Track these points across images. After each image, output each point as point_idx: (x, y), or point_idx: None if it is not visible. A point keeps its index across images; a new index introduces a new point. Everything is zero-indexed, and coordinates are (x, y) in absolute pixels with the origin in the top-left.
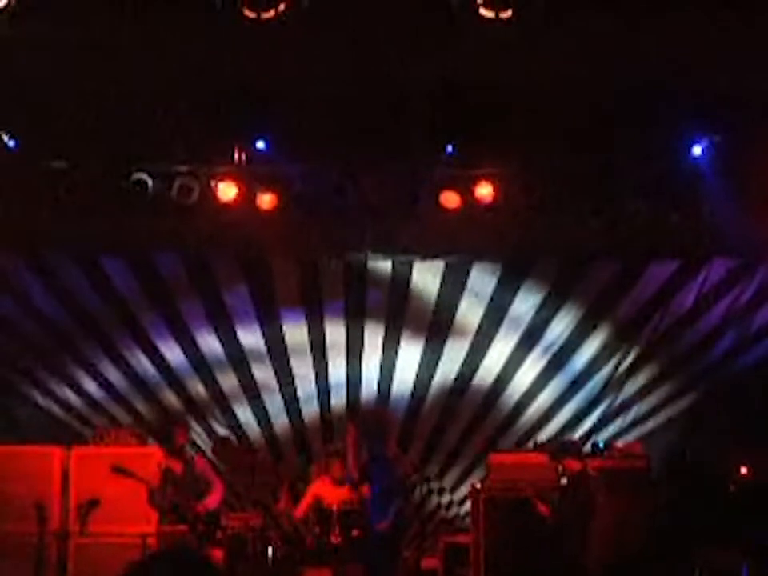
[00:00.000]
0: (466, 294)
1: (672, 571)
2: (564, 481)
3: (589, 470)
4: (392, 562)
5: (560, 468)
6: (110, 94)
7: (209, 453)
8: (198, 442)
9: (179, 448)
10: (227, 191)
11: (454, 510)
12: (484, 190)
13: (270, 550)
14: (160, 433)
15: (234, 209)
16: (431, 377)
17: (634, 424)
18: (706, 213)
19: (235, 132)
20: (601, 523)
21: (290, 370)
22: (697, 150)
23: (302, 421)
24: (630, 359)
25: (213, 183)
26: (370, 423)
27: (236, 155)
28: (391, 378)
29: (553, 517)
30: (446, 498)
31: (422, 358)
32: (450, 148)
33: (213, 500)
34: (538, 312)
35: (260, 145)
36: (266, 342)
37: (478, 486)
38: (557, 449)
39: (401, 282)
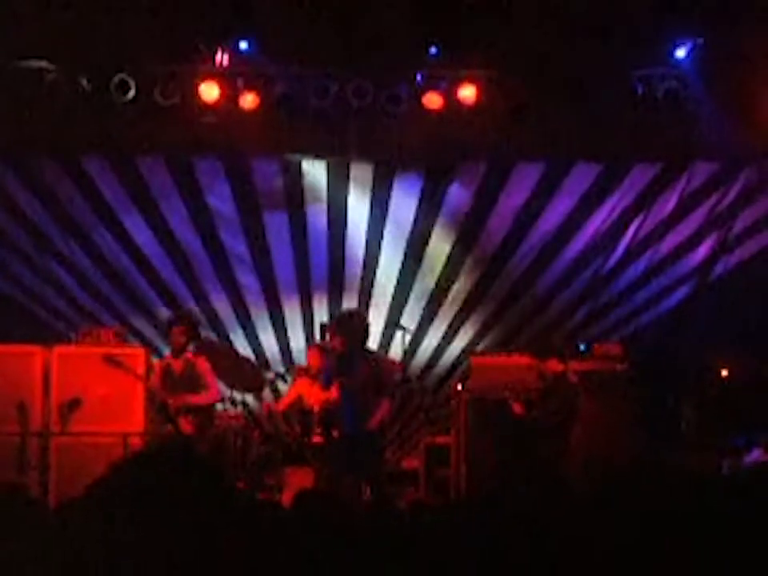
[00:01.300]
0: (447, 198)
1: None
2: (543, 383)
3: (569, 372)
4: (377, 462)
5: (540, 369)
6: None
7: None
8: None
9: (178, 347)
10: (210, 91)
11: (435, 411)
12: (467, 92)
13: (251, 449)
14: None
15: (216, 109)
16: (412, 281)
17: (616, 326)
18: (689, 116)
19: (218, 32)
20: (580, 427)
21: (273, 273)
22: (680, 53)
23: (285, 325)
24: (612, 262)
25: (195, 84)
26: (348, 325)
27: (218, 56)
28: (373, 281)
29: (528, 417)
30: (427, 399)
31: (403, 260)
32: (433, 50)
33: (199, 397)
34: (520, 215)
35: (243, 45)
36: (248, 245)
37: (460, 387)
38: (538, 351)
39: (383, 183)
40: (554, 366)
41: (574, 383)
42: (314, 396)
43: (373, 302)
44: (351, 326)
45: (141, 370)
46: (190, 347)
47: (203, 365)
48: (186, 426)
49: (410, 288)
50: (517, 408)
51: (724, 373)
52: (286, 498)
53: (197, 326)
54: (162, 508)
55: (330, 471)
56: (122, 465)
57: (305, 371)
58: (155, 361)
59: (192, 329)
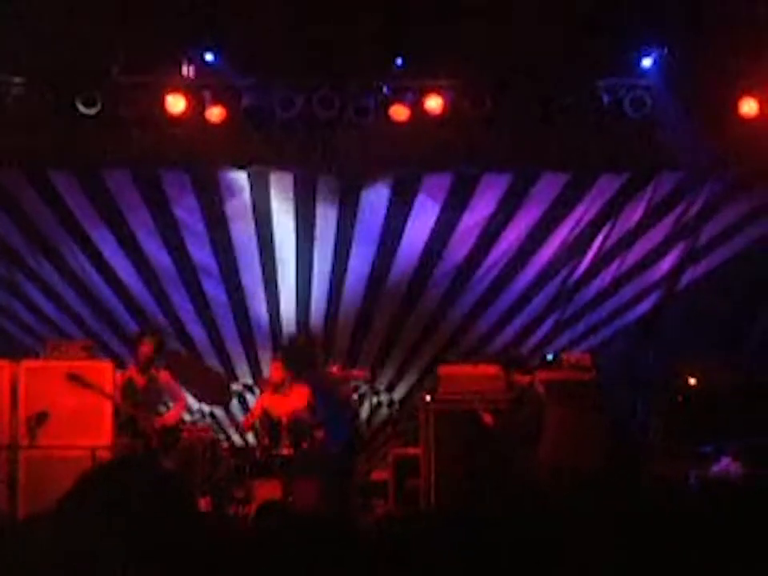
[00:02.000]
0: (414, 208)
1: (621, 482)
2: (511, 394)
3: (536, 383)
4: (345, 477)
5: (508, 380)
6: (61, 6)
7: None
8: None
9: (145, 360)
10: (176, 104)
11: (403, 423)
12: (433, 103)
13: (219, 461)
14: (146, 345)
15: (182, 122)
16: (380, 291)
17: (583, 336)
18: (656, 126)
19: (184, 44)
20: (549, 437)
21: (241, 285)
22: (646, 63)
23: (252, 336)
24: (579, 272)
25: (161, 96)
26: (290, 353)
27: (184, 68)
28: (340, 294)
29: (498, 428)
30: (395, 411)
31: (370, 273)
32: (399, 61)
33: (171, 415)
34: (487, 225)
35: (209, 57)
36: (216, 258)
37: (428, 398)
38: (506, 361)
39: (350, 196)
40: (521, 377)
41: (541, 394)
42: (280, 407)
43: (341, 311)
44: (292, 357)
45: (108, 384)
46: (156, 362)
47: (166, 378)
48: (154, 441)
49: (378, 299)
50: (486, 418)
51: (692, 381)
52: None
53: (164, 341)
54: (127, 523)
55: (298, 483)
56: (88, 479)
57: (269, 383)
58: (118, 373)
59: (159, 343)
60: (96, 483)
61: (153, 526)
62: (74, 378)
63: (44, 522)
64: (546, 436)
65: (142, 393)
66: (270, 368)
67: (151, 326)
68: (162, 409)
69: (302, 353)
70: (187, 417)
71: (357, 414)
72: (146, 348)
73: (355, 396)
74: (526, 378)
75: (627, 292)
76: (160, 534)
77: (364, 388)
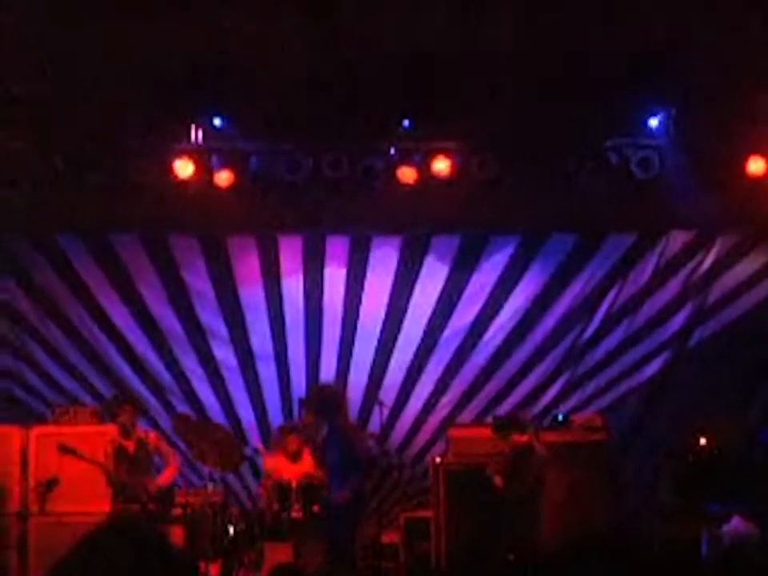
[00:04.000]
0: (423, 271)
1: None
2: (508, 456)
3: (535, 442)
4: (351, 538)
5: (507, 442)
6: (66, 75)
7: (169, 431)
8: (159, 420)
9: (129, 427)
10: (184, 169)
11: (414, 485)
12: (441, 165)
13: (230, 526)
14: (106, 412)
15: (191, 186)
16: (390, 352)
17: (594, 396)
18: (663, 186)
19: (192, 109)
20: (551, 499)
21: (250, 347)
22: (653, 123)
23: (263, 399)
24: (589, 332)
25: (169, 161)
26: (318, 399)
27: (192, 133)
28: (350, 358)
29: (505, 491)
30: (406, 473)
31: (380, 335)
32: (406, 123)
33: (165, 477)
34: (496, 286)
35: (216, 122)
36: (225, 321)
37: (438, 460)
38: (496, 425)
39: (359, 257)
40: (518, 437)
41: (541, 452)
42: (291, 473)
43: (351, 376)
44: (319, 401)
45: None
46: (138, 425)
47: (155, 440)
48: (150, 504)
49: (389, 360)
50: (498, 481)
51: (702, 441)
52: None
53: (143, 405)
54: None
55: (309, 547)
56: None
57: (285, 451)
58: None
59: (136, 405)
60: (86, 553)
61: None
62: (66, 451)
63: None
64: (555, 498)
65: (134, 458)
66: (285, 439)
67: (123, 392)
68: (155, 472)
69: (330, 397)
70: (197, 481)
71: (367, 471)
72: (125, 416)
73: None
74: (524, 438)
75: (637, 352)
76: None
77: (375, 450)
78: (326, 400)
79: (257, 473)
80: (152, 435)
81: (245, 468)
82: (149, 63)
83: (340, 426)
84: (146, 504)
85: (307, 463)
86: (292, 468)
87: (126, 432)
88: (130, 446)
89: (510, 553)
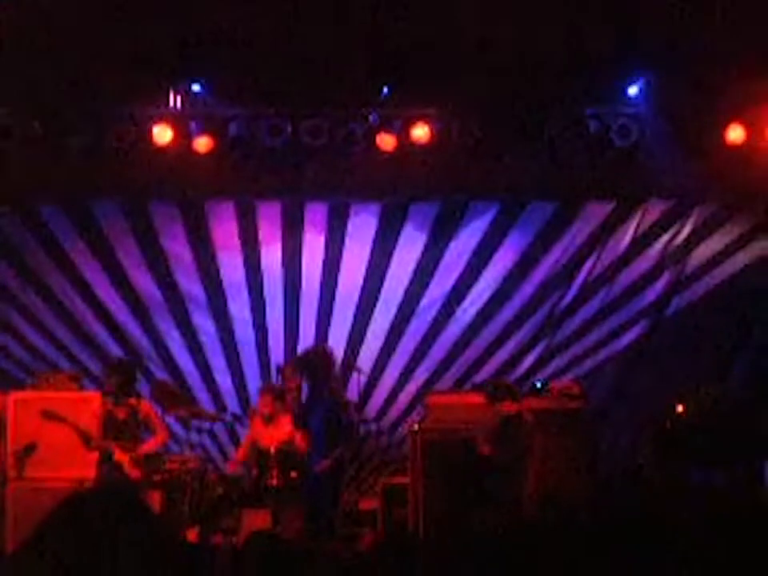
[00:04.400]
0: (402, 238)
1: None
2: (498, 424)
3: (525, 411)
4: (331, 504)
5: (494, 410)
6: (46, 42)
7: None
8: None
9: (119, 393)
10: (163, 135)
11: (391, 452)
12: (420, 131)
13: (207, 491)
14: (112, 379)
15: (170, 152)
16: (368, 320)
17: (572, 364)
18: (643, 154)
19: (170, 75)
20: (536, 465)
21: (229, 313)
22: (633, 90)
23: (241, 365)
24: (567, 300)
25: (148, 126)
26: (308, 365)
27: (171, 98)
28: (329, 322)
29: (494, 458)
30: (383, 440)
31: (359, 302)
32: (385, 90)
33: (149, 445)
34: (475, 254)
35: (195, 88)
36: (204, 288)
37: (416, 427)
38: (492, 390)
39: (337, 224)
40: (509, 405)
41: (530, 422)
42: (269, 438)
43: (329, 343)
44: (310, 363)
45: (94, 415)
46: (131, 393)
47: (147, 408)
48: (133, 471)
49: (366, 327)
50: (485, 449)
51: (679, 409)
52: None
53: (132, 373)
54: (108, 556)
55: (287, 513)
56: (67, 506)
57: (258, 415)
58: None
59: (129, 373)
60: (66, 516)
61: (133, 559)
62: (49, 415)
63: (26, 556)
64: (534, 465)
65: (122, 425)
66: (259, 400)
67: (117, 359)
68: (142, 440)
69: (322, 360)
70: (175, 447)
71: (353, 442)
72: (116, 380)
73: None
74: (514, 407)
75: (615, 320)
76: (137, 564)
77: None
78: (318, 363)
79: (235, 439)
80: (144, 403)
81: (222, 432)
82: (128, 29)
83: (328, 391)
84: (127, 470)
85: (285, 429)
86: (269, 433)
87: (117, 398)
88: (120, 412)
89: (490, 521)
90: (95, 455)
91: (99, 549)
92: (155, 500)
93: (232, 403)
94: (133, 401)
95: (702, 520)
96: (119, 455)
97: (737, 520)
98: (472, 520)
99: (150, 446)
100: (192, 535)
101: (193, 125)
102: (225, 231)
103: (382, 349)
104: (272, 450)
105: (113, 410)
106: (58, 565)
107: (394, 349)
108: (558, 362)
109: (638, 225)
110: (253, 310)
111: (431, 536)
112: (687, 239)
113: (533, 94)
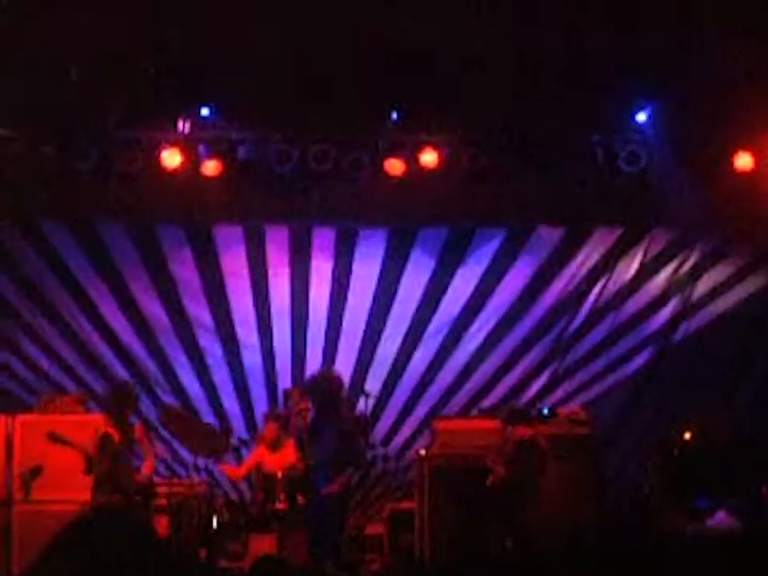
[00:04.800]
0: (410, 264)
1: (619, 538)
2: (511, 447)
3: (539, 436)
4: (338, 529)
5: (508, 434)
6: (53, 64)
7: (155, 421)
8: (144, 410)
9: (122, 417)
10: (171, 159)
11: (398, 477)
12: (428, 157)
13: (214, 516)
14: (110, 402)
15: (178, 176)
16: (376, 345)
17: (579, 390)
18: (650, 181)
19: (179, 99)
20: (547, 489)
21: (236, 338)
22: (641, 117)
23: (248, 390)
24: (575, 325)
25: (157, 151)
26: (317, 389)
27: (180, 123)
28: (336, 347)
29: (507, 480)
30: (390, 465)
31: (366, 326)
32: (395, 115)
33: (147, 469)
34: (483, 279)
35: (204, 112)
36: (211, 312)
37: (423, 452)
38: (508, 415)
39: (345, 249)
40: (523, 430)
41: (544, 447)
42: (274, 463)
43: (336, 366)
44: (318, 387)
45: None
46: (128, 415)
47: (140, 432)
48: (135, 496)
49: (374, 352)
50: (500, 471)
51: (687, 436)
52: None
53: (130, 395)
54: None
55: (293, 538)
56: (65, 535)
57: (264, 440)
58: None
59: (125, 397)
60: (73, 540)
61: None
62: (55, 438)
63: None
64: (545, 490)
65: (120, 448)
66: (264, 425)
67: (118, 383)
68: (137, 463)
69: (328, 386)
70: (182, 471)
71: (360, 467)
72: (111, 404)
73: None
74: (528, 431)
75: (622, 346)
76: None
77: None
78: (326, 387)
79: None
80: (137, 427)
81: (230, 458)
82: (136, 53)
83: (336, 415)
84: (131, 495)
85: (290, 453)
86: (275, 458)
87: (117, 422)
88: (116, 435)
89: (507, 540)
90: (98, 478)
91: (105, 572)
92: (161, 524)
93: (239, 427)
94: (128, 425)
95: (707, 547)
96: (121, 479)
97: (741, 547)
98: (483, 541)
99: (147, 469)
100: (198, 559)
101: (201, 148)
102: (233, 256)
103: (389, 373)
104: (278, 474)
105: (109, 433)
106: None
107: (402, 374)
108: (565, 388)
109: (646, 251)
110: (260, 334)
111: (438, 562)
112: (695, 266)
113: (539, 119)
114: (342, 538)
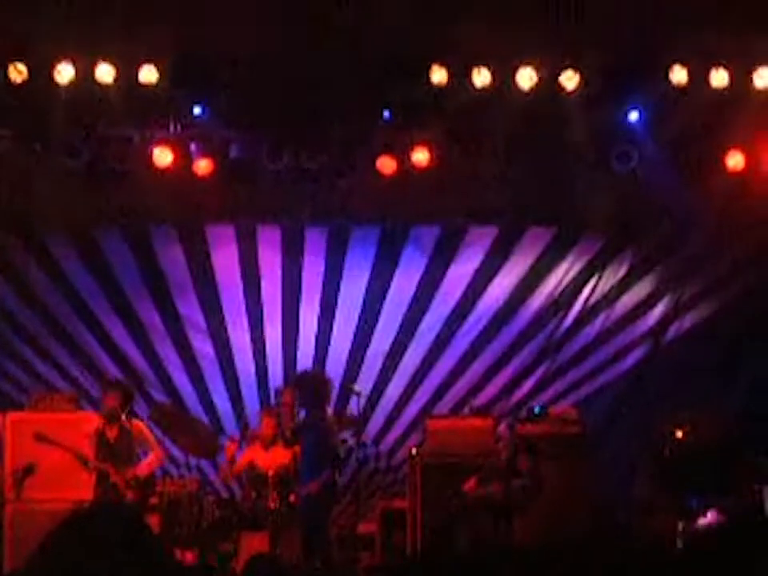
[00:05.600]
0: (401, 262)
1: (607, 538)
2: (511, 450)
3: (540, 467)
4: (322, 526)
5: (510, 436)
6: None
7: (146, 419)
8: (136, 408)
9: (110, 412)
10: (163, 157)
11: (390, 476)
12: (420, 155)
13: (206, 515)
14: (110, 397)
15: (169, 175)
16: (367, 344)
17: (570, 389)
18: (642, 180)
19: (171, 98)
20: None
21: (228, 338)
22: (633, 116)
23: (239, 389)
24: (566, 324)
25: (148, 149)
26: (305, 387)
27: (171, 121)
28: (327, 346)
29: (505, 492)
30: (382, 464)
31: (357, 325)
32: (386, 114)
33: (143, 466)
34: (474, 278)
35: (196, 110)
36: (203, 311)
37: (414, 451)
38: (521, 445)
39: (337, 248)
40: (526, 460)
41: (542, 474)
42: (267, 461)
43: (328, 364)
44: (307, 385)
45: (89, 435)
46: (124, 414)
47: (139, 429)
48: (128, 493)
49: (365, 351)
50: (495, 487)
51: (678, 435)
52: (241, 564)
53: (131, 393)
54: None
55: (285, 536)
56: (59, 532)
57: (257, 437)
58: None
59: (125, 395)
60: (67, 536)
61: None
62: (41, 438)
63: None
64: (542, 497)
65: (114, 445)
66: (261, 422)
67: (116, 379)
68: (137, 460)
69: (316, 386)
70: (174, 470)
71: (339, 464)
72: (111, 401)
73: (342, 448)
74: (529, 462)
75: (614, 345)
76: None
77: (351, 442)
78: (314, 386)
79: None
80: (136, 424)
81: (222, 458)
82: (129, 52)
83: (322, 417)
84: (124, 492)
85: (283, 452)
86: (267, 457)
87: (110, 418)
88: (112, 432)
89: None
90: (93, 477)
91: (99, 570)
92: (153, 523)
93: (230, 426)
94: (125, 421)
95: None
96: (114, 476)
97: (734, 547)
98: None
99: (142, 467)
100: (190, 558)
101: (193, 147)
102: (224, 255)
103: (380, 372)
104: (270, 473)
105: (104, 430)
106: None
107: (393, 372)
108: (557, 387)
109: (637, 251)
110: (252, 333)
111: (429, 560)
112: (684, 266)
113: (531, 120)
114: (326, 538)
